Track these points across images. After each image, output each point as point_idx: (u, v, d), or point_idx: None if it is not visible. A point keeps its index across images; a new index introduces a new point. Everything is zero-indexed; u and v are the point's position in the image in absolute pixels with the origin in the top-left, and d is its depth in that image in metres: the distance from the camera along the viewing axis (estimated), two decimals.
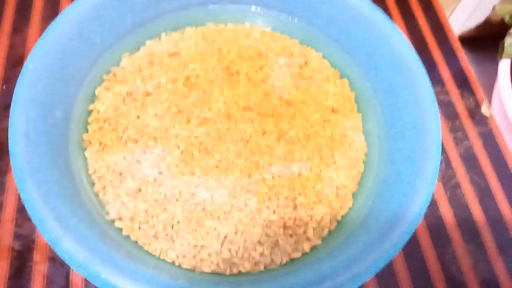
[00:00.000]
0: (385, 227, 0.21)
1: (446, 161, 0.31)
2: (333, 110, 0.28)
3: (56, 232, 0.19)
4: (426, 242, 0.28)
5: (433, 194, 0.29)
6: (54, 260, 0.25)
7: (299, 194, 0.25)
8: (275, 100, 0.27)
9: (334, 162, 0.26)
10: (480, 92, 0.34)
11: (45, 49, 0.23)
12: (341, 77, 0.30)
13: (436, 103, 0.24)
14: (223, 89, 0.27)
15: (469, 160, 0.31)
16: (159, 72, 0.27)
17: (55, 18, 0.24)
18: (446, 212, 0.29)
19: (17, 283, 0.24)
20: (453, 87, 0.34)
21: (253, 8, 0.30)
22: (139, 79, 0.27)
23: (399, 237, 0.21)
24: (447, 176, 0.30)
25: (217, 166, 0.25)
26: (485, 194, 0.30)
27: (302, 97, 0.28)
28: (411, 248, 0.27)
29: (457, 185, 0.30)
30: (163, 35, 0.29)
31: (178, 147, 0.25)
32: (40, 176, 0.20)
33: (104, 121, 0.26)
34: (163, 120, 0.26)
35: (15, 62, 0.31)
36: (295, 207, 0.25)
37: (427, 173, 0.22)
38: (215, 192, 0.24)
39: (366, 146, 0.27)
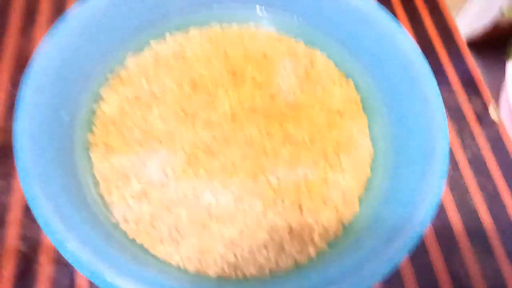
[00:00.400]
0: (392, 232, 0.21)
1: (453, 165, 0.31)
2: (339, 113, 0.28)
3: (61, 233, 0.19)
4: (433, 247, 0.27)
5: (441, 199, 0.29)
6: (60, 262, 0.25)
7: (305, 198, 0.25)
8: (280, 103, 0.27)
9: (340, 166, 0.26)
10: (488, 95, 0.34)
11: (50, 50, 0.23)
12: (347, 77, 0.29)
13: (443, 106, 0.23)
14: (229, 92, 0.27)
15: (477, 164, 0.31)
16: (165, 74, 0.27)
17: (59, 18, 0.24)
18: (454, 216, 0.29)
19: (23, 285, 0.24)
20: (460, 90, 0.34)
21: (257, 7, 0.30)
22: (145, 81, 0.27)
23: (406, 243, 0.21)
24: (454, 180, 0.30)
25: (222, 169, 0.25)
26: (493, 199, 0.29)
27: (308, 99, 0.28)
28: (418, 253, 0.27)
29: (465, 189, 0.30)
30: (167, 35, 0.29)
31: (184, 150, 0.25)
32: (45, 177, 0.20)
33: (110, 123, 0.26)
34: (169, 122, 0.26)
35: (22, 64, 0.32)
36: (300, 211, 0.24)
37: (435, 178, 0.22)
38: (220, 195, 0.24)
39: (373, 150, 0.27)
